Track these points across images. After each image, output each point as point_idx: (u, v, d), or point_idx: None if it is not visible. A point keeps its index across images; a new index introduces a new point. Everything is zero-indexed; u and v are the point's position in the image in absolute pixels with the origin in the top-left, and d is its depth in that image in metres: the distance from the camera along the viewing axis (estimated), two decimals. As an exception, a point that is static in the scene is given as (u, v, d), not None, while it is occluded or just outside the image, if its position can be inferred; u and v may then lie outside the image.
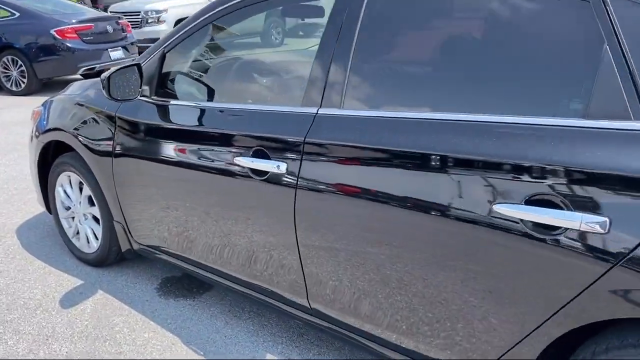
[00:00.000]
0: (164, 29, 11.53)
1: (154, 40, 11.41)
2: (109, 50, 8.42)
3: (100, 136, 2.65)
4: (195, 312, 2.63)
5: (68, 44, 7.95)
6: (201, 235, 2.34)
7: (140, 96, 2.45)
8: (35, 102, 7.64)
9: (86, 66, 8.13)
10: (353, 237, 1.78)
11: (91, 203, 2.97)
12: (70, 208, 3.11)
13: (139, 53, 9.22)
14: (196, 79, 2.53)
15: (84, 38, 8.13)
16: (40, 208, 3.89)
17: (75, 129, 2.78)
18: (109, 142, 2.61)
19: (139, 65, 2.40)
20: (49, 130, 2.96)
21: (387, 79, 1.83)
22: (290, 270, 2.03)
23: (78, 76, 8.86)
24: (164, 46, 2.44)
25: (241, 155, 2.04)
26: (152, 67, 2.45)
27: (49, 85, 8.88)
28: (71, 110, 2.86)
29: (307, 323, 2.11)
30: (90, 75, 8.80)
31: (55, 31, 7.89)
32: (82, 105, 2.79)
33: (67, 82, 9.38)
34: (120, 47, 8.61)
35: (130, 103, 2.51)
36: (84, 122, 2.75)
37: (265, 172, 1.96)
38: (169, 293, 2.80)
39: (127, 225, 2.73)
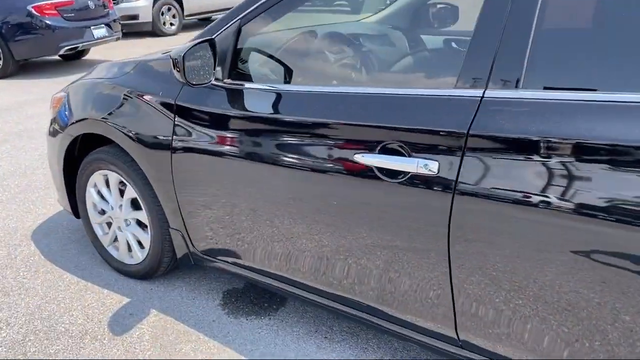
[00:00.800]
0: (142, 5, 10.84)
1: (131, 17, 10.71)
2: (91, 28, 7.76)
3: (154, 128, 2.19)
4: (277, 335, 2.23)
5: (47, 22, 7.28)
6: (294, 247, 1.94)
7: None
8: (12, 86, 6.99)
9: (68, 46, 7.47)
10: (538, 260, 1.41)
11: (135, 207, 2.51)
12: (105, 212, 2.65)
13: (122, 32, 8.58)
14: (285, 58, 2.09)
15: (65, 15, 7.45)
16: (54, 208, 3.39)
17: (116, 119, 2.31)
18: (166, 135, 2.15)
19: (211, 42, 1.95)
20: (80, 120, 2.48)
21: (595, 45, 1.41)
22: (434, 294, 1.65)
23: (57, 58, 8.20)
24: (240, 17, 1.99)
25: (361, 151, 1.63)
26: (224, 43, 2.00)
27: (27, 67, 8.19)
28: (109, 97, 2.38)
29: (449, 356, 1.74)
30: (71, 57, 8.15)
31: (32, 7, 7.20)
32: (125, 90, 2.32)
33: (47, 64, 8.72)
34: (103, 25, 7.96)
35: (196, 88, 2.06)
36: (130, 111, 2.28)
37: (401, 173, 1.56)
38: (237, 310, 2.39)
39: (187, 234, 2.30)
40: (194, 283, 2.60)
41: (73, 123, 2.53)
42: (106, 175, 2.55)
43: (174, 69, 1.90)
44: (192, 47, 1.88)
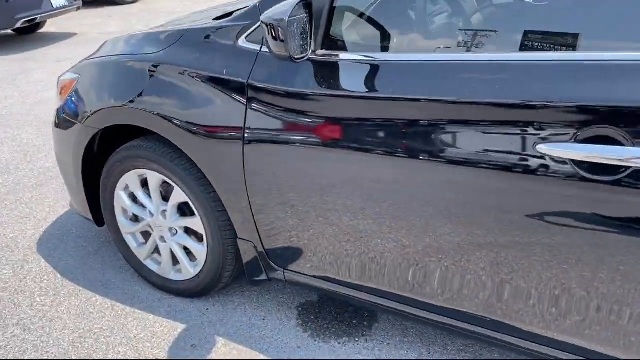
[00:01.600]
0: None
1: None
2: (49, -4, 6.96)
3: (218, 116, 1.72)
4: (383, 361, 1.83)
5: (-1, -9, 6.45)
6: (422, 264, 1.53)
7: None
8: (-31, 65, 6.20)
9: (26, 17, 6.67)
10: None
11: (182, 213, 2.04)
12: (140, 219, 2.17)
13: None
14: (402, 18, 1.63)
15: (18, -18, 6.63)
16: (55, 211, 2.86)
17: (161, 106, 1.82)
18: (236, 125, 1.69)
19: (308, 3, 1.48)
20: (106, 109, 1.97)
21: None
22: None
23: (9, 32, 7.38)
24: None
25: (547, 141, 1.22)
26: (319, 1, 1.53)
27: (-23, 44, 7.34)
28: (147, 79, 1.88)
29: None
30: (26, 31, 7.35)
31: (-19, -25, 6.36)
32: (170, 70, 1.82)
33: (2, 38, 7.76)
34: (62, -7, 7.15)
35: (277, 65, 1.60)
36: (181, 96, 1.80)
37: (620, 168, 1.16)
38: (322, 330, 1.98)
39: (262, 244, 1.85)
40: (256, 298, 2.17)
41: (95, 112, 2.01)
42: (143, 175, 2.06)
43: (270, 38, 1.43)
44: (294, 8, 1.41)
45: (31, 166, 3.46)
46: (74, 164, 2.18)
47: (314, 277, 1.82)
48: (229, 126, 1.70)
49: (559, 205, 1.26)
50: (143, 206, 2.14)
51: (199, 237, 2.07)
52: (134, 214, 2.20)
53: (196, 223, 1.98)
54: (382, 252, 1.59)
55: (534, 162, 1.25)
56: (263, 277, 1.93)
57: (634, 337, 1.31)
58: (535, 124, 1.24)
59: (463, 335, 1.60)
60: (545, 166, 1.24)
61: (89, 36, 7.67)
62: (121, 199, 2.14)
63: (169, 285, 2.19)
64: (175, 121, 1.80)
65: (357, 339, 1.93)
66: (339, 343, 1.91)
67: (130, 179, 2.08)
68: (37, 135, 4.02)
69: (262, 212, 1.77)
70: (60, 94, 2.22)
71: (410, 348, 1.88)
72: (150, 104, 1.85)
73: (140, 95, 1.88)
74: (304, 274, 1.84)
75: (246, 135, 1.67)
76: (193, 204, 1.94)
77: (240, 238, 1.89)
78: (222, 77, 1.70)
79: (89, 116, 2.03)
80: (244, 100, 1.66)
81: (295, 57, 1.46)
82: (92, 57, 2.20)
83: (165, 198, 2.07)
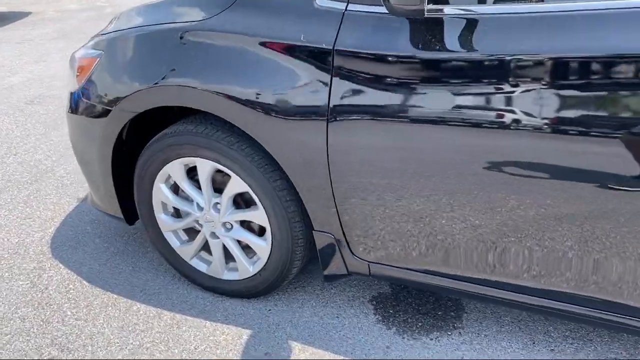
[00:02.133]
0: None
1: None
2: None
3: (294, 90, 1.47)
4: (485, 354, 1.65)
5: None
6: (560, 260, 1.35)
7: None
8: None
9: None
10: None
11: (237, 205, 1.79)
12: (183, 215, 1.91)
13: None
14: None
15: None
16: (60, 209, 2.55)
17: (219, 83, 1.56)
18: (318, 100, 1.44)
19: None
20: (146, 89, 1.68)
21: None
22: None
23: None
24: None
25: None
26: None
27: None
28: (195, 50, 1.60)
29: None
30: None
31: None
32: (229, 38, 1.55)
33: None
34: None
35: (371, 25, 1.36)
36: (245, 69, 1.53)
37: None
38: (408, 326, 1.78)
39: (345, 237, 1.63)
40: (322, 294, 1.95)
41: (133, 94, 1.71)
42: (189, 164, 1.78)
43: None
44: None
45: (19, 159, 3.10)
46: (102, 155, 1.89)
47: (404, 268, 1.61)
48: (309, 102, 1.45)
49: None
50: (188, 199, 1.87)
51: (258, 231, 1.82)
52: (174, 209, 1.92)
53: (258, 215, 1.73)
54: (469, 236, 1.41)
55: None
56: (342, 271, 1.71)
57: None
58: None
59: (560, 316, 1.44)
60: None
61: (47, 15, 7.11)
62: (162, 192, 1.87)
63: (222, 286, 1.94)
64: (238, 99, 1.53)
65: (449, 333, 1.74)
66: (431, 339, 1.72)
67: (174, 169, 1.80)
68: (15, 125, 3.63)
69: (347, 201, 1.54)
70: (78, 74, 1.91)
71: (512, 338, 1.70)
72: (204, 80, 1.57)
73: (189, 70, 1.60)
74: (393, 266, 1.63)
75: (331, 111, 1.43)
76: (255, 194, 1.69)
77: (317, 230, 1.66)
78: (298, 44, 1.45)
79: (124, 98, 1.73)
80: (328, 70, 1.42)
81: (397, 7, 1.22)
82: (111, 31, 1.89)
83: (217, 189, 1.80)
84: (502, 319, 1.78)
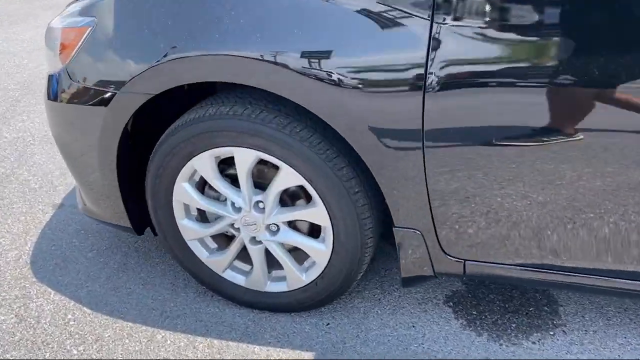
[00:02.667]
0: None
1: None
2: None
3: (375, 50, 1.14)
4: (600, 353, 1.40)
5: None
6: None
7: None
8: None
9: None
10: None
11: (283, 203, 1.45)
12: (211, 219, 1.54)
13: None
14: None
15: None
16: (35, 221, 2.11)
17: (261, 46, 1.20)
18: (410, 63, 1.11)
19: None
20: (165, 62, 1.29)
21: None
22: None
23: None
24: None
25: None
26: None
27: None
28: (224, 6, 1.23)
29: None
30: None
31: None
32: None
33: None
34: None
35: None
36: (297, 24, 1.19)
37: None
38: (499, 329, 1.50)
39: (436, 232, 1.32)
40: (383, 297, 1.64)
41: (146, 70, 1.32)
42: (219, 156, 1.42)
43: None
44: None
45: (-29, 163, 2.60)
46: (103, 152, 1.49)
47: (502, 264, 1.33)
48: (398, 65, 1.12)
49: None
50: (219, 199, 1.51)
51: (308, 233, 1.49)
52: (199, 213, 1.56)
53: (316, 213, 1.39)
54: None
55: None
56: (427, 272, 1.40)
57: None
58: None
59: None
60: None
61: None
62: (186, 193, 1.49)
63: (264, 300, 1.59)
64: (296, 68, 1.18)
65: (552, 333, 1.47)
66: (533, 342, 1.45)
67: (203, 164, 1.43)
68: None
69: (446, 190, 1.23)
70: (62, 52, 1.48)
71: (627, 332, 1.45)
72: (245, 45, 1.21)
73: (223, 34, 1.23)
74: (492, 263, 1.33)
75: (430, 78, 1.10)
76: (314, 186, 1.35)
77: (400, 227, 1.34)
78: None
79: (133, 78, 1.34)
80: (426, 24, 1.09)
81: None
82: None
83: (258, 185, 1.45)
84: (605, 310, 1.53)
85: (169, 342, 1.54)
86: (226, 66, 1.25)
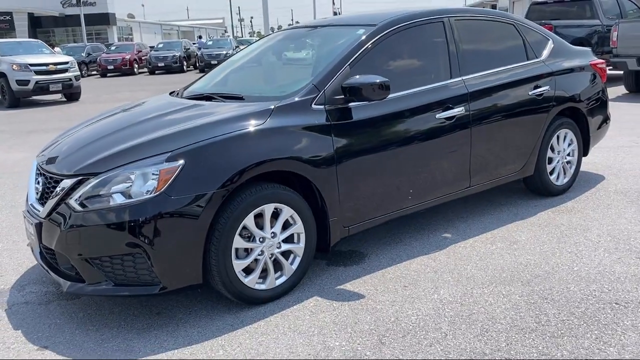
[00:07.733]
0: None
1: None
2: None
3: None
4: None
5: None
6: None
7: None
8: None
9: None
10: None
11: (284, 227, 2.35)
12: (248, 251, 2.26)
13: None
14: None
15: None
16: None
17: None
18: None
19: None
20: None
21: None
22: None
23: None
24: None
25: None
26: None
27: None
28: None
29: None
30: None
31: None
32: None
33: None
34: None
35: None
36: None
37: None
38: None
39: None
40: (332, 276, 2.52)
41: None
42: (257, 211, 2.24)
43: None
44: None
45: None
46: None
47: (374, 219, 2.65)
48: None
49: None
50: (255, 239, 2.25)
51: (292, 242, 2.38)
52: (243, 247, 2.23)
53: (299, 228, 2.35)
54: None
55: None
56: (341, 236, 2.53)
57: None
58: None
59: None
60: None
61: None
62: (236, 241, 2.20)
63: (262, 295, 2.30)
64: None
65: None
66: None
67: (249, 219, 2.21)
68: None
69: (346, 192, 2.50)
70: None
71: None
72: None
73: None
74: (367, 220, 2.61)
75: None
76: (298, 213, 2.36)
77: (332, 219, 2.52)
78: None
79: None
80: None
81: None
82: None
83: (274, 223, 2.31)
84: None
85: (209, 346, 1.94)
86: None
